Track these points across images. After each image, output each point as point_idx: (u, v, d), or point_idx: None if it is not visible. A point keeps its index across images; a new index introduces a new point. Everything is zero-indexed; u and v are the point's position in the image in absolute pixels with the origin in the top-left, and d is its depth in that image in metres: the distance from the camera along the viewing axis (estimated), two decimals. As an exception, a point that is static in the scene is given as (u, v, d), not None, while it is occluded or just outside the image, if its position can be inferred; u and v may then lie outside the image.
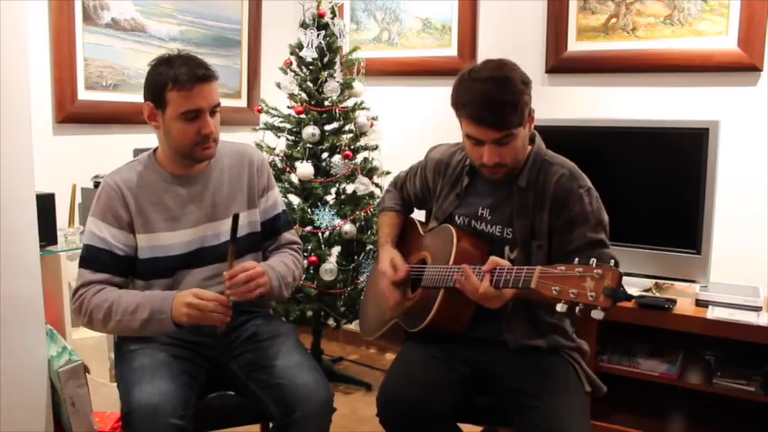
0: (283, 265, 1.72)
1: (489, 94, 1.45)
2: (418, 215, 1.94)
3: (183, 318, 1.50)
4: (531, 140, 1.63)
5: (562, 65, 2.74)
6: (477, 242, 1.63)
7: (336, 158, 2.76)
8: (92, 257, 1.60)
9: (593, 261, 1.23)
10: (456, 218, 1.69)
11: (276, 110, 2.81)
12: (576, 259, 1.27)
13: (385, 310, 1.80)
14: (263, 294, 1.60)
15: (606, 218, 1.57)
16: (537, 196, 1.57)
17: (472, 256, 1.58)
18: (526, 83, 1.50)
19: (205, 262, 1.66)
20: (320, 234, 2.66)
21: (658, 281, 2.35)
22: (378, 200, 2.68)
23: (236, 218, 1.54)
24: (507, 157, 1.52)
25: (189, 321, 1.51)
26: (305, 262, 1.84)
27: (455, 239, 1.60)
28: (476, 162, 1.58)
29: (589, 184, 1.57)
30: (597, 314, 1.21)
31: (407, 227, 1.90)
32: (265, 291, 1.60)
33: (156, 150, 1.71)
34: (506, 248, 1.61)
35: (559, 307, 1.25)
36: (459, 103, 1.51)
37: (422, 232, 1.83)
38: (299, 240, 1.85)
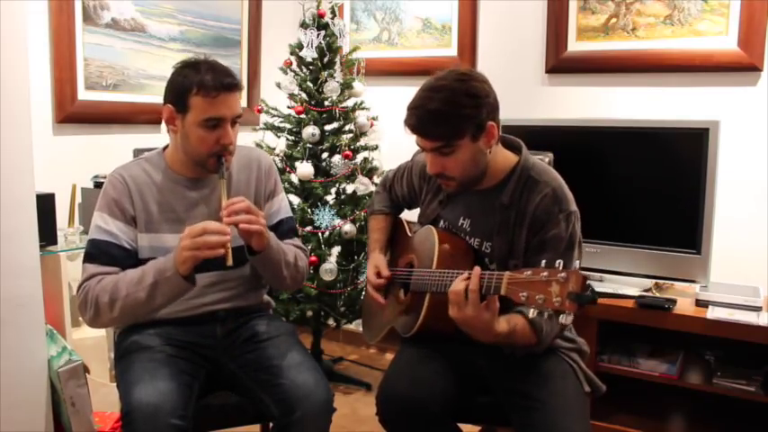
0: (284, 244, 1.70)
1: (420, 103, 1.45)
2: (408, 215, 1.94)
3: (183, 254, 1.44)
4: (518, 151, 1.59)
5: (562, 65, 2.74)
6: (459, 243, 1.61)
7: (336, 158, 2.76)
8: (98, 252, 1.57)
9: (560, 263, 1.22)
10: (440, 223, 1.68)
11: (276, 110, 2.81)
12: (544, 262, 1.25)
13: (381, 315, 1.80)
14: (260, 235, 1.54)
15: (580, 241, 1.53)
16: (518, 215, 1.54)
17: (455, 258, 1.57)
18: (473, 96, 1.44)
19: (208, 268, 1.60)
20: (320, 234, 2.66)
21: (658, 281, 2.35)
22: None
23: (219, 157, 1.57)
24: (451, 169, 1.49)
25: (189, 257, 1.44)
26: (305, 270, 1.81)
27: (437, 243, 1.58)
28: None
29: (571, 207, 1.53)
30: (566, 318, 1.20)
31: (396, 228, 1.90)
32: (263, 231, 1.54)
33: (164, 149, 1.70)
34: (486, 260, 1.59)
35: (531, 313, 1.24)
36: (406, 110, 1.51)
37: (409, 234, 1.83)
38: (304, 247, 1.82)
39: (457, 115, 1.43)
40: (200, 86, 1.52)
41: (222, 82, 1.53)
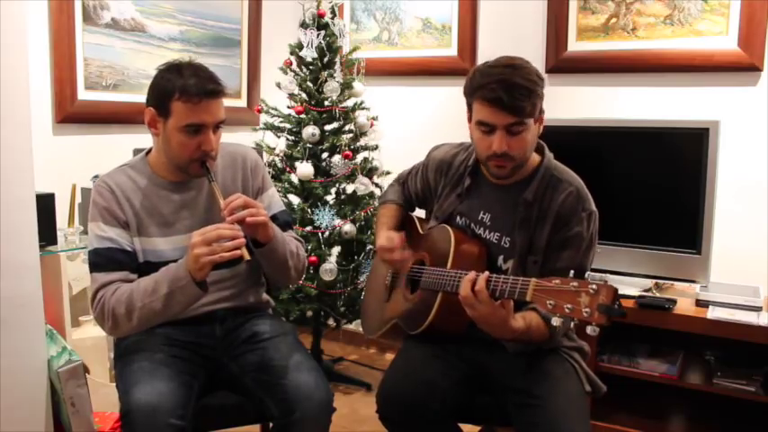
0: (286, 234, 1.70)
1: (506, 77, 1.46)
2: (418, 213, 1.94)
3: (200, 262, 1.44)
4: (541, 152, 1.62)
5: (562, 65, 2.74)
6: (475, 245, 1.62)
7: (336, 158, 2.76)
8: (102, 259, 1.57)
9: (589, 275, 1.23)
10: (457, 219, 1.68)
11: (276, 110, 2.81)
12: (572, 272, 1.26)
13: (384, 309, 1.80)
14: (265, 226, 1.55)
15: (596, 241, 1.57)
16: (541, 212, 1.55)
17: (470, 259, 1.57)
18: (541, 77, 1.51)
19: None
20: (320, 234, 2.66)
21: (658, 281, 2.35)
22: (377, 200, 2.68)
23: (203, 162, 1.57)
24: (516, 149, 1.49)
25: (206, 264, 1.44)
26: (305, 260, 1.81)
27: (453, 242, 1.58)
28: (482, 154, 1.55)
29: (593, 207, 1.57)
30: (592, 330, 1.19)
31: (407, 224, 1.89)
32: (267, 222, 1.55)
33: (148, 153, 1.69)
34: (501, 257, 1.60)
35: (554, 321, 1.24)
36: (474, 87, 1.50)
37: (421, 231, 1.82)
38: (301, 239, 1.82)
39: (535, 92, 1.47)
40: (183, 92, 1.51)
41: (205, 88, 1.51)
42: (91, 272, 1.58)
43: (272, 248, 1.62)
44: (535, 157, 1.61)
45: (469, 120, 1.57)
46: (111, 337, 2.14)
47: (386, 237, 1.74)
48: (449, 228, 1.64)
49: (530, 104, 1.46)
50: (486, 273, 1.37)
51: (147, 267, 1.59)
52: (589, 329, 1.19)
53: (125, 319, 1.51)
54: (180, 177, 1.65)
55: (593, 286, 1.20)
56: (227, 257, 1.45)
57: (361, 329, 2.01)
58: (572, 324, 1.24)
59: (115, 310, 1.51)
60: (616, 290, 1.19)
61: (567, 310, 1.21)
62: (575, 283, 1.23)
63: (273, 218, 1.76)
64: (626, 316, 1.20)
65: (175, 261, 1.54)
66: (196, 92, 1.50)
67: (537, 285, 1.29)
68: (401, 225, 1.88)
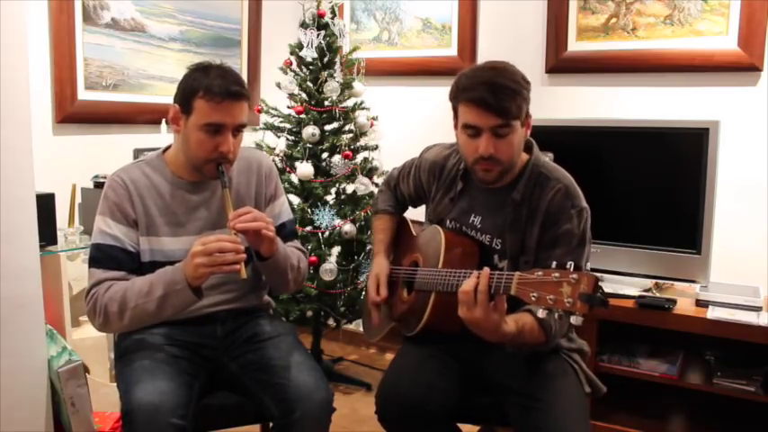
0: (288, 247, 1.71)
1: (492, 79, 1.45)
2: (412, 214, 1.94)
3: (198, 272, 1.44)
4: (529, 149, 1.61)
5: (562, 65, 2.74)
6: (467, 244, 1.62)
7: (336, 158, 2.76)
8: (103, 256, 1.57)
9: (571, 265, 1.22)
10: (447, 222, 1.68)
11: (276, 110, 2.81)
12: (555, 263, 1.26)
13: (384, 311, 1.80)
14: (270, 240, 1.55)
15: (589, 238, 1.55)
16: (530, 211, 1.55)
17: (461, 259, 1.57)
18: (526, 81, 1.50)
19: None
20: (320, 234, 2.66)
21: (658, 281, 2.35)
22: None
23: (218, 165, 1.57)
24: (502, 153, 1.49)
25: (204, 274, 1.45)
26: (306, 272, 1.81)
27: (443, 242, 1.58)
28: (469, 158, 1.54)
29: (583, 203, 1.55)
30: (576, 320, 1.19)
31: (400, 227, 1.90)
32: (273, 237, 1.56)
33: (165, 152, 1.70)
34: (495, 257, 1.60)
35: (540, 313, 1.24)
36: (460, 89, 1.50)
37: (414, 233, 1.83)
38: (304, 249, 1.83)
39: (521, 94, 1.46)
40: (206, 91, 1.53)
41: (229, 89, 1.54)
42: (90, 266, 1.58)
43: (274, 262, 1.63)
44: (523, 156, 1.60)
45: (455, 126, 1.57)
46: (111, 338, 2.15)
47: (374, 282, 1.72)
48: (439, 228, 1.64)
49: (515, 106, 1.45)
50: (487, 269, 1.34)
51: (152, 267, 1.58)
52: (573, 319, 1.19)
53: (116, 318, 1.52)
54: (196, 177, 1.66)
55: (574, 275, 1.19)
56: (225, 270, 1.46)
57: (360, 329, 2.01)
58: (557, 315, 1.23)
59: (107, 308, 1.51)
60: (597, 278, 1.19)
61: (549, 301, 1.21)
62: (556, 274, 1.22)
63: (282, 226, 1.77)
64: (608, 305, 1.19)
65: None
66: (219, 91, 1.52)
67: (520, 278, 1.29)
68: (395, 232, 1.89)
